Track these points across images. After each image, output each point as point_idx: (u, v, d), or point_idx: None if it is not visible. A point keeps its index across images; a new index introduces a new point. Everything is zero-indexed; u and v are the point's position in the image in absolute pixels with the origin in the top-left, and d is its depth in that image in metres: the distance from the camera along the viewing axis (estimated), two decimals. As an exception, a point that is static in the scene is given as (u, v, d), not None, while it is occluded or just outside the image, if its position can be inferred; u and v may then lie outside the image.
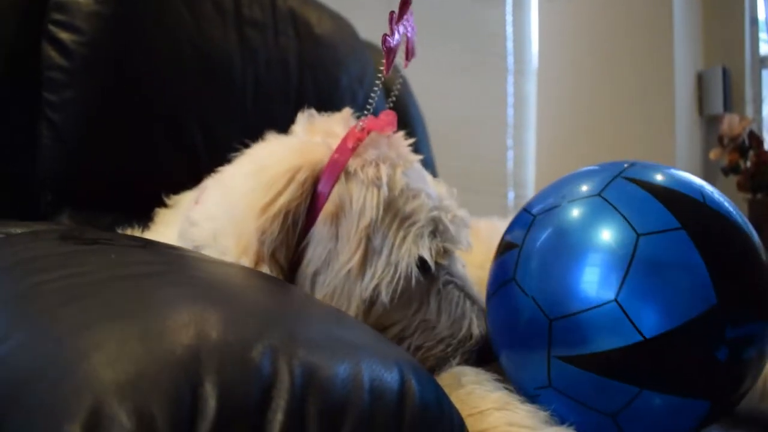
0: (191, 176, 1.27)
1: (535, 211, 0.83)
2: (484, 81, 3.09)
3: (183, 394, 0.44)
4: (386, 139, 0.93)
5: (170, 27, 1.44)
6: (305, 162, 0.87)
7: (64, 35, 1.32)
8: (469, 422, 0.72)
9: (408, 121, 2.01)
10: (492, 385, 0.84)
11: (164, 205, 1.18)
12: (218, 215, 0.91)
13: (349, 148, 0.88)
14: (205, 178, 1.16)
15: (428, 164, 1.89)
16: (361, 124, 0.90)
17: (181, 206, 1.13)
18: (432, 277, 0.92)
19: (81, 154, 1.33)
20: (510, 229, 0.87)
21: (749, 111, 2.93)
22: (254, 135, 1.56)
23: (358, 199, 0.86)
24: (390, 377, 0.57)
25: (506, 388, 0.86)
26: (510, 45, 3.19)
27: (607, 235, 0.73)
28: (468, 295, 0.95)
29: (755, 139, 2.64)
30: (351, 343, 0.61)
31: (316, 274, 0.87)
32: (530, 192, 3.23)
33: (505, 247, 0.85)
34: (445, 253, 0.92)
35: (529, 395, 0.81)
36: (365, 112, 0.91)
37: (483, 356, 0.93)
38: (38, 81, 1.30)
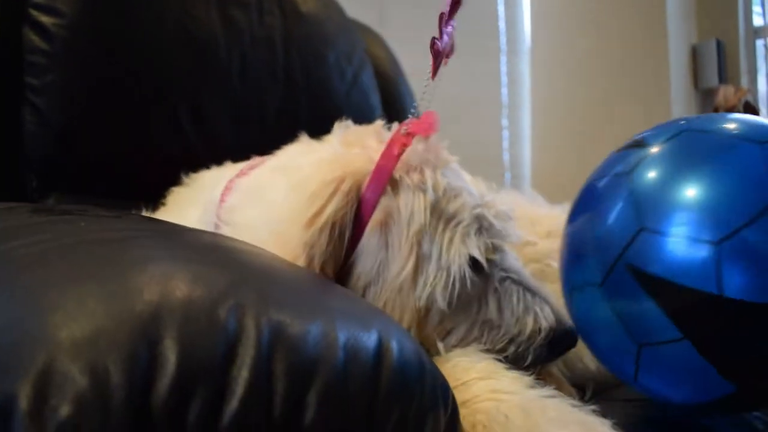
0: (180, 157, 1.26)
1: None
2: (477, 61, 3.06)
3: (141, 351, 0.43)
4: (424, 140, 0.90)
5: (154, 7, 1.43)
6: (348, 172, 0.84)
7: (45, 19, 1.31)
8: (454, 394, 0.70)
9: (397, 95, 1.99)
10: (478, 356, 0.83)
11: (173, 184, 1.16)
12: (256, 226, 0.88)
13: (395, 154, 0.85)
14: (222, 157, 1.16)
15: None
16: (405, 128, 0.87)
17: (198, 187, 1.11)
18: (486, 275, 0.88)
19: (66, 138, 1.32)
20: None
21: (744, 82, 2.91)
22: (243, 114, 1.56)
23: (406, 205, 0.83)
24: (367, 338, 0.56)
25: (496, 359, 0.86)
26: (502, 25, 3.16)
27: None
28: (527, 288, 0.91)
29: (751, 109, 2.63)
30: (327, 305, 0.59)
31: (367, 286, 0.83)
32: (527, 173, 3.22)
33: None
34: (495, 249, 0.89)
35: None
36: (412, 111, 0.89)
37: (554, 348, 0.90)
38: (20, 66, 1.28)
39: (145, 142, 1.40)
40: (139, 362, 0.42)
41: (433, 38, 0.82)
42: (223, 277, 0.52)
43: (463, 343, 0.87)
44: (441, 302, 0.83)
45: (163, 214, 1.09)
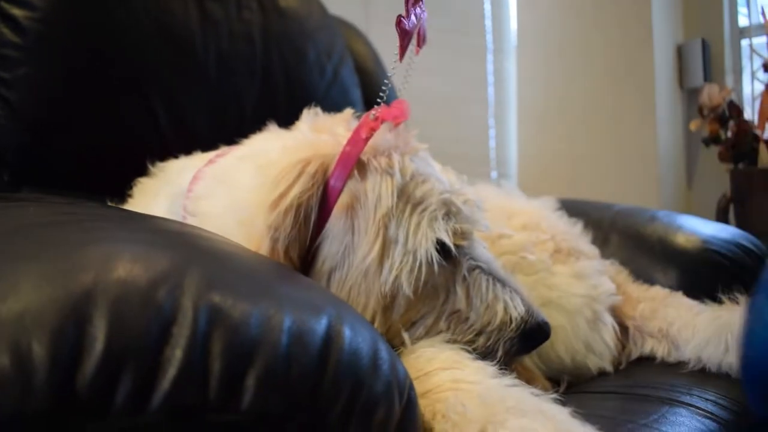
0: (156, 151, 1.24)
1: None
2: (463, 60, 3.06)
3: (68, 329, 0.42)
4: (394, 127, 0.89)
5: (128, 1, 1.42)
6: (315, 155, 0.83)
7: (16, 11, 1.29)
8: (415, 385, 0.69)
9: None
10: (443, 347, 0.81)
11: (140, 175, 1.14)
12: (222, 214, 0.87)
13: (362, 138, 0.84)
14: (195, 151, 1.14)
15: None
16: (373, 113, 0.86)
17: (165, 177, 1.09)
18: (454, 262, 0.88)
19: (38, 132, 1.30)
20: None
21: (729, 82, 2.91)
22: (219, 109, 1.55)
23: (373, 189, 0.82)
24: (315, 323, 0.55)
25: (463, 349, 0.84)
26: (489, 23, 3.16)
27: None
28: (497, 278, 0.89)
29: (735, 108, 2.62)
30: (276, 290, 0.58)
31: (332, 270, 0.82)
32: (513, 171, 3.21)
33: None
34: (463, 235, 0.88)
35: None
36: (378, 101, 0.88)
37: (527, 340, 0.88)
38: (-9, 60, 1.27)
39: (120, 137, 1.39)
40: (66, 341, 0.41)
41: (399, 16, 0.81)
42: (165, 259, 0.51)
43: (430, 333, 0.86)
44: (407, 288, 0.82)
45: (129, 206, 1.07)
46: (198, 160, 1.05)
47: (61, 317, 0.42)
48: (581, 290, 1.17)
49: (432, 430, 0.67)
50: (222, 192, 0.91)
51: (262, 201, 0.81)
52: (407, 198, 0.84)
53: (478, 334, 0.87)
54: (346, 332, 0.57)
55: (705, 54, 2.92)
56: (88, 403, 0.41)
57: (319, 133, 0.92)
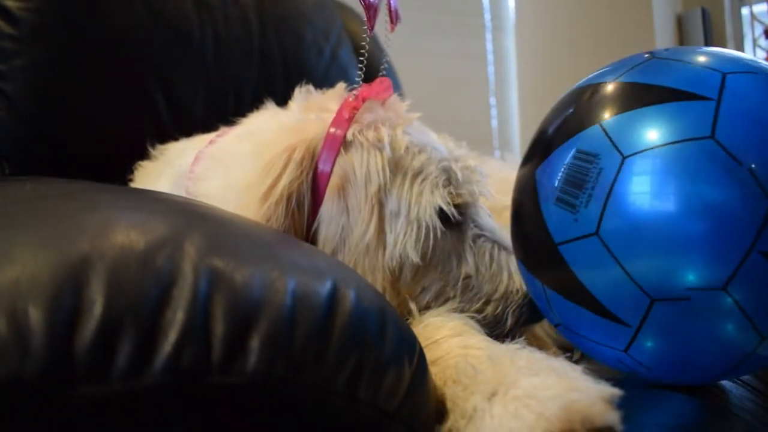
0: (155, 139, 1.24)
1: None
2: (462, 40, 3.03)
3: (65, 294, 0.41)
4: (381, 103, 0.89)
5: (123, -11, 1.40)
6: (300, 140, 0.83)
7: (10, 2, 1.28)
8: (425, 354, 0.68)
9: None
10: (450, 315, 0.81)
11: (142, 158, 1.14)
12: (221, 196, 0.86)
13: (345, 118, 0.84)
14: (195, 134, 1.14)
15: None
16: (354, 93, 0.87)
17: (166, 159, 1.09)
18: (459, 230, 0.88)
19: (36, 122, 1.29)
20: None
21: (731, 49, 2.88)
22: (217, 94, 1.54)
23: (361, 165, 0.82)
24: (320, 286, 0.54)
25: (472, 317, 0.84)
26: (486, 1, 3.13)
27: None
28: (503, 247, 0.89)
29: (738, 77, 2.59)
30: (279, 255, 0.57)
31: (334, 254, 0.82)
32: (517, 150, 3.19)
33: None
34: (465, 201, 0.88)
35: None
36: (357, 80, 0.88)
37: (536, 309, 0.84)
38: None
39: (118, 125, 1.38)
40: (63, 305, 0.40)
41: None
42: (165, 225, 0.50)
43: (439, 300, 0.86)
44: (414, 256, 0.81)
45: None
46: (198, 141, 1.05)
47: (58, 282, 0.41)
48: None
49: (444, 396, 0.66)
50: (220, 173, 0.91)
51: (254, 190, 0.81)
52: (405, 170, 0.84)
53: (486, 302, 0.88)
54: (352, 295, 0.56)
55: (705, 23, 2.90)
56: (87, 367, 0.40)
57: (308, 112, 0.91)
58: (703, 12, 2.90)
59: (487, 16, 3.11)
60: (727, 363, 0.68)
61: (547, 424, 0.52)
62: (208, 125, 1.19)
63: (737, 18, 2.95)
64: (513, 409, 0.57)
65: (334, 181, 0.82)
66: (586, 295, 0.68)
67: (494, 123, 3.14)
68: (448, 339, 0.74)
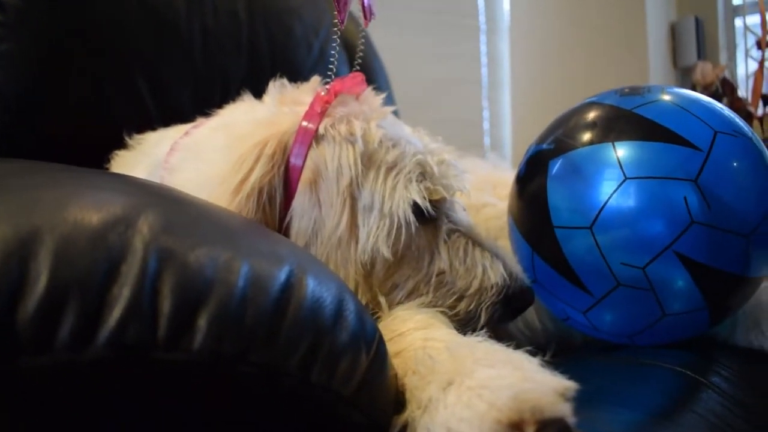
0: (140, 130, 1.23)
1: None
2: (456, 41, 3.03)
3: (10, 266, 0.41)
4: (355, 97, 0.90)
5: (111, -22, 1.40)
6: (273, 134, 0.83)
7: (-4, -12, 1.28)
8: (389, 346, 0.69)
9: (372, 76, 1.97)
10: (419, 309, 0.82)
11: (120, 147, 1.14)
12: (195, 189, 0.84)
13: (317, 112, 0.84)
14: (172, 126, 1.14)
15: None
16: (327, 87, 0.87)
17: (143, 149, 1.08)
18: (434, 225, 0.88)
19: (21, 110, 1.29)
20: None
21: (723, 58, 2.89)
22: (205, 87, 1.54)
23: (333, 159, 0.82)
24: (276, 270, 0.54)
25: (443, 312, 0.84)
26: (481, 3, 3.13)
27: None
28: (477, 243, 0.90)
29: (728, 85, 2.61)
30: (236, 238, 0.57)
31: (306, 246, 0.82)
32: (508, 152, 3.19)
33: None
34: (440, 196, 0.88)
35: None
36: (329, 73, 0.89)
37: (510, 306, 0.90)
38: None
39: (103, 115, 1.37)
40: (7, 277, 0.41)
41: None
42: (121, 204, 0.50)
43: (412, 296, 0.86)
44: (385, 251, 0.81)
45: None
46: (175, 131, 1.05)
47: (5, 254, 0.42)
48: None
49: (404, 386, 0.67)
50: (194, 166, 0.91)
51: (226, 183, 0.81)
52: (378, 164, 0.84)
53: (459, 298, 0.88)
54: (309, 282, 0.56)
55: (698, 32, 2.91)
56: (29, 338, 0.40)
57: (282, 106, 0.92)
58: (697, 21, 2.91)
59: (482, 19, 3.11)
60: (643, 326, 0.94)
61: (497, 414, 0.53)
62: (194, 117, 1.19)
63: (731, 28, 2.96)
64: (466, 398, 0.57)
65: (306, 174, 0.82)
66: (568, 268, 0.91)
67: (486, 125, 3.14)
68: (412, 332, 0.75)
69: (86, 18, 1.36)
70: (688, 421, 0.81)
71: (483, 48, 3.12)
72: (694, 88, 2.67)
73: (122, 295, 0.43)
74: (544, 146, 0.99)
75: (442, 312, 0.85)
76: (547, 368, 0.62)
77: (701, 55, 2.90)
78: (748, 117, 2.56)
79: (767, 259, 0.93)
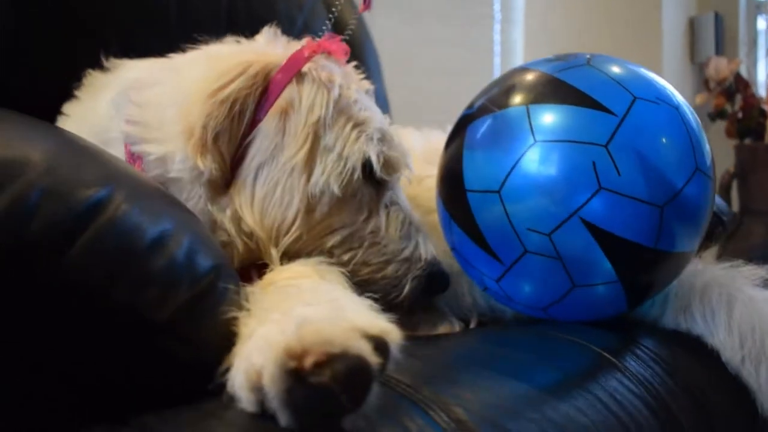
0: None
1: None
2: (470, 30, 3.01)
3: None
4: (340, 65, 0.95)
5: (85, -58, 1.42)
6: (258, 60, 0.87)
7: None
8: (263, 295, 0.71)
9: (362, 56, 1.96)
10: (309, 261, 0.85)
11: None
12: (166, 102, 0.89)
13: (305, 56, 0.89)
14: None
15: (380, 97, 1.84)
16: (317, 40, 0.93)
17: (118, 71, 1.08)
18: (379, 190, 0.93)
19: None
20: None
21: (742, 55, 2.81)
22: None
23: (308, 97, 0.87)
24: (90, 191, 0.55)
25: (341, 271, 0.85)
26: (496, -8, 3.10)
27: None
28: (412, 222, 0.96)
29: (743, 82, 2.54)
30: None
31: (259, 167, 0.86)
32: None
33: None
34: (392, 165, 0.93)
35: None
36: (320, 35, 0.95)
37: (432, 284, 0.95)
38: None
39: (70, 75, 1.38)
40: None
41: None
42: None
43: (342, 247, 0.89)
44: (336, 188, 0.86)
45: (74, 101, 1.09)
46: (156, 60, 1.05)
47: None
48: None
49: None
50: (170, 80, 0.93)
51: (203, 90, 0.84)
52: (349, 116, 0.90)
53: (388, 261, 0.92)
54: (125, 207, 0.58)
55: (717, 28, 2.83)
56: None
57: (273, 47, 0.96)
58: (717, 17, 2.83)
59: (497, 7, 3.08)
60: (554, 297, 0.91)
61: (285, 342, 0.52)
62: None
63: (752, 25, 2.88)
64: (267, 329, 0.58)
65: (279, 103, 0.86)
66: (479, 234, 0.89)
67: (497, 115, 3.10)
68: (285, 281, 0.76)
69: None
70: (574, 397, 0.79)
71: (497, 37, 3.09)
72: (707, 84, 2.60)
73: None
74: (468, 111, 0.98)
75: (351, 272, 0.88)
76: (381, 315, 0.61)
77: (719, 51, 2.82)
78: (762, 115, 2.49)
79: (685, 233, 0.90)
